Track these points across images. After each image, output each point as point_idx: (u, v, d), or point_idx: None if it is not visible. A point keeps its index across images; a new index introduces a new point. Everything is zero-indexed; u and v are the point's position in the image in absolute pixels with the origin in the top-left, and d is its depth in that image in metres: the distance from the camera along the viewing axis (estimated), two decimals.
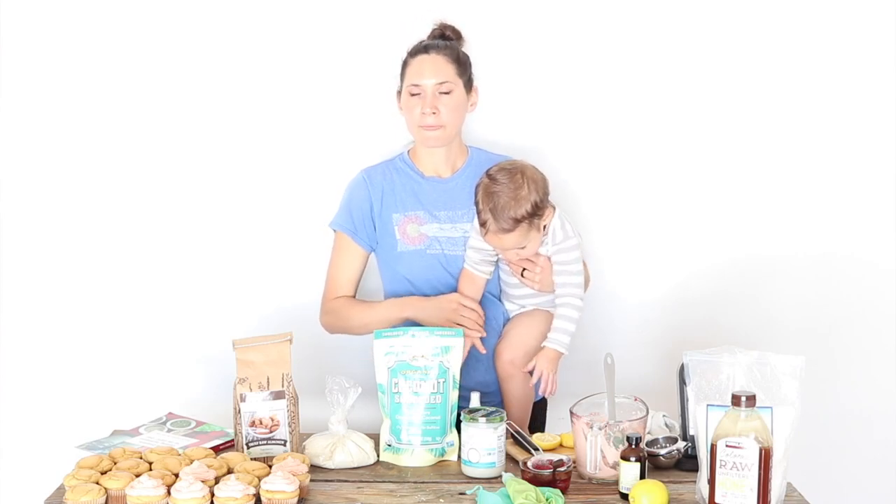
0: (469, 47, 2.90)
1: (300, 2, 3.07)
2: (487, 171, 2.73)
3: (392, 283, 2.93)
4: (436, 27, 2.88)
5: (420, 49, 2.83)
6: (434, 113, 2.79)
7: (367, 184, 2.92)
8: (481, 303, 2.86)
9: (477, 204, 2.71)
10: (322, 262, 2.96)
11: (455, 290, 2.85)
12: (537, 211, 2.68)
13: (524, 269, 2.80)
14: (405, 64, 2.84)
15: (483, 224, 2.70)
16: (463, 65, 2.83)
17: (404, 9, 3.00)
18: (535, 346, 2.79)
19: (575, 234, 2.78)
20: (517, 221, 2.66)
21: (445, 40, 2.86)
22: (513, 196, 2.66)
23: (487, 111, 3.01)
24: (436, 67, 2.79)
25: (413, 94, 2.80)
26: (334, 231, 2.94)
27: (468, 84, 2.85)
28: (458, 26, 2.89)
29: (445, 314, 2.78)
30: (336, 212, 2.95)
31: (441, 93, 2.79)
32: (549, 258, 2.77)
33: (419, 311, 2.83)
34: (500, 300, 2.92)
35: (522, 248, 2.73)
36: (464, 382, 2.66)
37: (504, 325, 2.90)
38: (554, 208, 2.75)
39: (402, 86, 2.85)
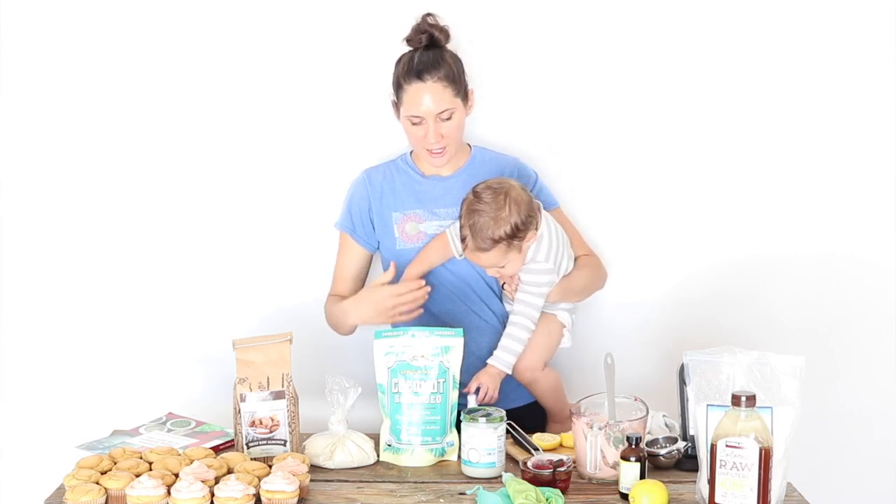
0: (468, 48, 2.88)
1: (302, 1, 3.07)
2: (474, 186, 2.71)
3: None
4: (418, 25, 2.77)
5: (413, 75, 2.73)
6: (439, 139, 2.76)
7: (366, 183, 2.92)
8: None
9: (459, 219, 2.71)
10: (322, 262, 2.98)
11: (453, 287, 2.86)
12: (517, 233, 2.66)
13: (504, 283, 2.83)
14: (399, 86, 2.77)
15: (463, 240, 2.69)
16: (458, 80, 2.76)
17: (407, 9, 2.97)
18: (546, 344, 2.81)
19: (549, 260, 2.75)
20: (495, 242, 2.65)
21: (434, 46, 2.78)
22: (493, 217, 2.64)
23: (486, 112, 3.00)
24: (434, 97, 2.72)
25: (414, 124, 2.76)
26: (338, 231, 2.96)
27: (465, 95, 2.79)
28: (442, 21, 2.79)
29: (382, 315, 2.77)
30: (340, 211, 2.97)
31: (443, 119, 2.75)
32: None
33: (355, 314, 2.82)
34: (500, 299, 2.92)
35: (502, 266, 2.73)
36: (464, 381, 2.67)
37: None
38: (538, 232, 2.72)
39: (398, 102, 2.80)
